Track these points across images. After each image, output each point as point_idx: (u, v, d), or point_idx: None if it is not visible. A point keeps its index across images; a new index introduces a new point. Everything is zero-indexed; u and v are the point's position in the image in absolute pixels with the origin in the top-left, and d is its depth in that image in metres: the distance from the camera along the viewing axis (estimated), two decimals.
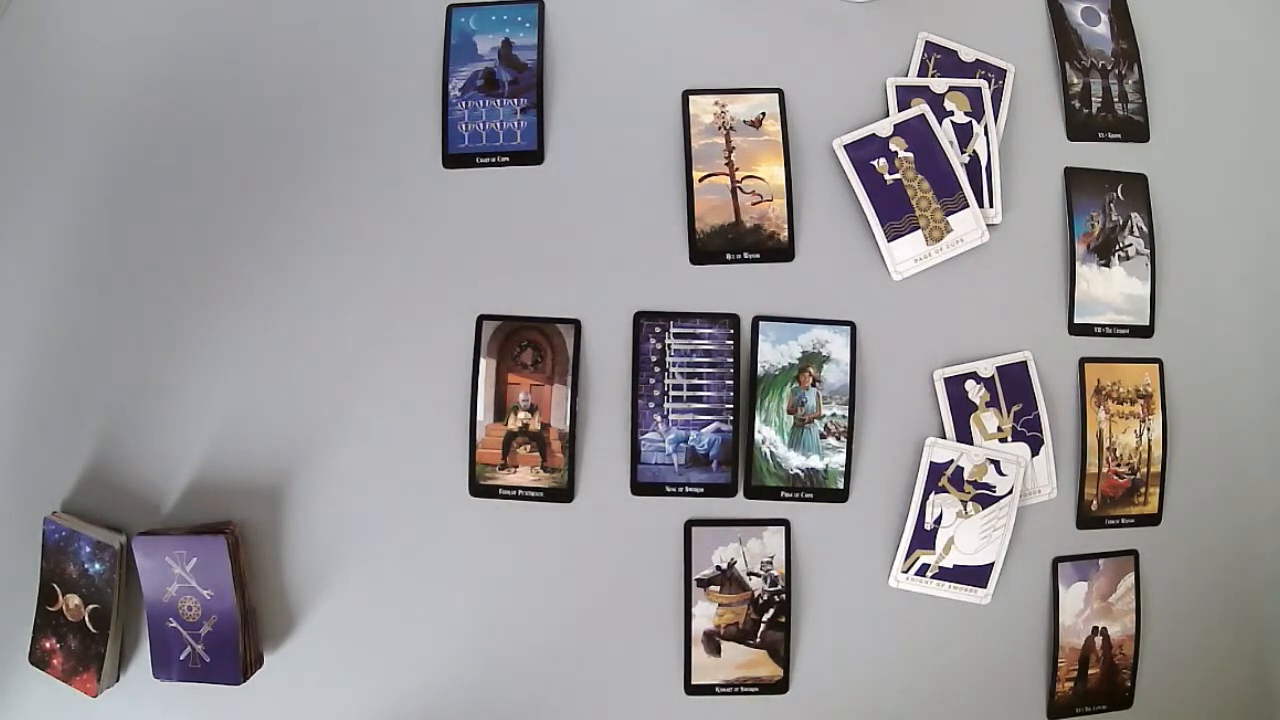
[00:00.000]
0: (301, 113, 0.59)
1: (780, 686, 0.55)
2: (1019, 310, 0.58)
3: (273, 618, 0.56)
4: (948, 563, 0.55)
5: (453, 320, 0.56)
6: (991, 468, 0.56)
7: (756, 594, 0.55)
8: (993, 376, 0.56)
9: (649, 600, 0.55)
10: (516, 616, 0.56)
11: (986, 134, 0.57)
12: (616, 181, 0.58)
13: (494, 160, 0.58)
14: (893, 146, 0.57)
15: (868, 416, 0.56)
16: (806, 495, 0.56)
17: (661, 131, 0.58)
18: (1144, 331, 0.58)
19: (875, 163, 0.56)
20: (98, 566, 0.54)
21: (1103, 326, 0.58)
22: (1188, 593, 0.56)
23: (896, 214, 0.56)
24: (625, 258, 0.57)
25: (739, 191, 0.57)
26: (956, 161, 0.57)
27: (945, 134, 0.57)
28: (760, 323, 0.56)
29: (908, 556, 0.55)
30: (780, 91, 0.59)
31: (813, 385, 0.56)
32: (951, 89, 0.58)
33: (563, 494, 0.55)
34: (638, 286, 0.57)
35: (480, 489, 0.55)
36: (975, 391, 0.56)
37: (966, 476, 0.56)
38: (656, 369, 0.56)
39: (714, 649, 0.55)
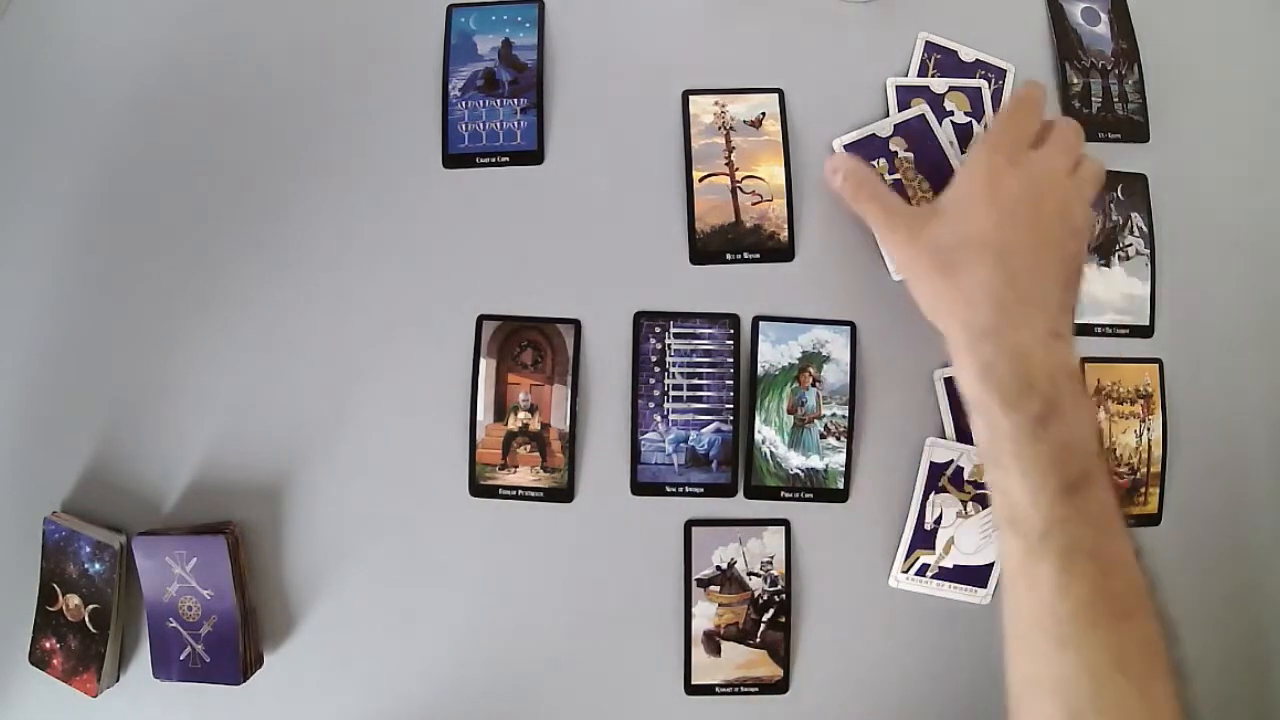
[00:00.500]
0: (301, 113, 0.59)
1: (780, 686, 0.55)
2: None
3: (273, 618, 0.56)
4: (948, 563, 0.55)
5: (453, 320, 0.56)
6: None
7: (756, 594, 0.55)
8: None
9: (649, 600, 0.55)
10: (516, 616, 0.56)
11: None
12: (616, 181, 0.58)
13: (494, 160, 0.58)
14: (893, 146, 0.57)
15: (868, 416, 0.56)
16: (806, 495, 0.56)
17: (661, 131, 0.59)
18: (1144, 331, 0.58)
19: (875, 163, 0.56)
20: (98, 566, 0.54)
21: (1102, 326, 0.58)
22: (1187, 593, 0.55)
23: None
24: (625, 258, 0.57)
25: (739, 191, 0.57)
26: (957, 162, 0.57)
27: (945, 134, 0.57)
28: (760, 323, 0.56)
29: (908, 556, 0.55)
30: (780, 91, 0.59)
31: (813, 385, 0.56)
32: (952, 89, 0.58)
33: (563, 494, 0.55)
34: (638, 286, 0.57)
35: (480, 489, 0.55)
36: None
37: (966, 476, 0.56)
38: (656, 369, 0.56)
39: (714, 649, 0.55)
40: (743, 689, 0.55)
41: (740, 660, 0.55)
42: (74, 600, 0.54)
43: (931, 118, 0.51)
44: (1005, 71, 0.60)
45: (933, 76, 0.59)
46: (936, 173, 0.51)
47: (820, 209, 0.58)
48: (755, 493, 0.56)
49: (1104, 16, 0.62)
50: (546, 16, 0.60)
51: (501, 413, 0.56)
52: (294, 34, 0.60)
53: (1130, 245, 0.59)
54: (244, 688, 0.53)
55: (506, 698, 0.55)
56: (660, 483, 0.55)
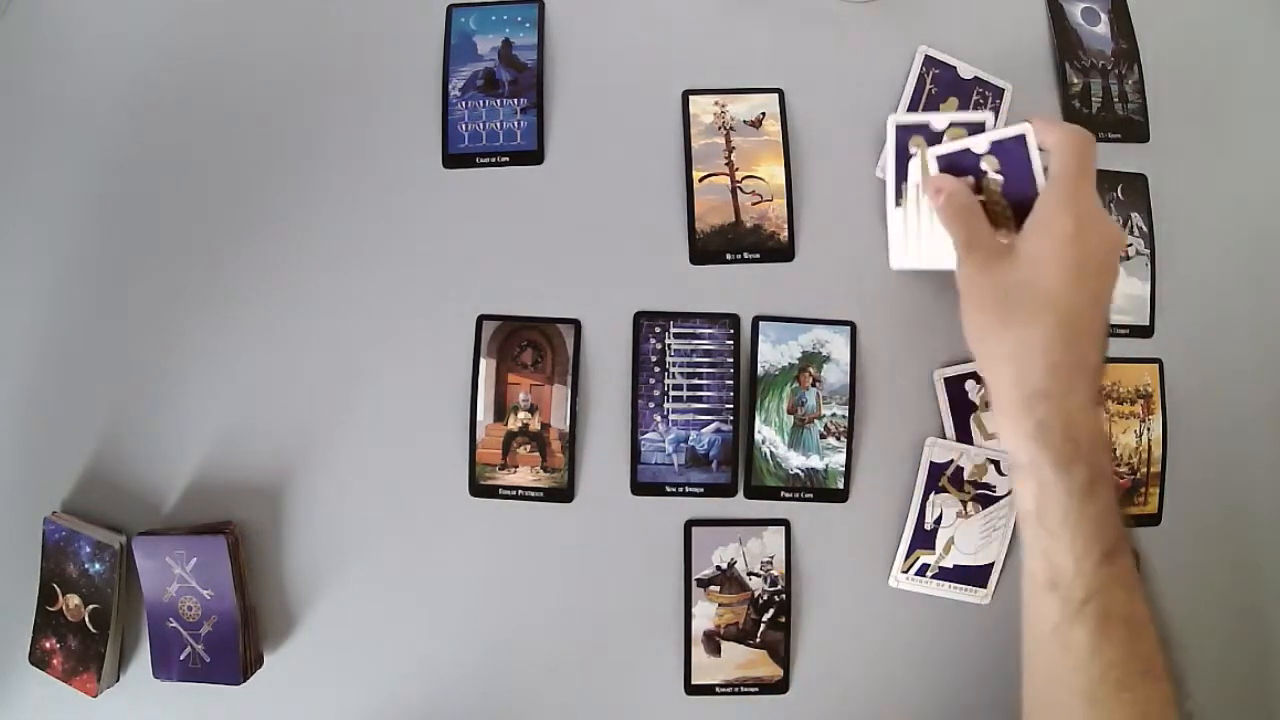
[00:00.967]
0: (301, 113, 0.59)
1: (780, 686, 0.55)
2: None
3: (273, 618, 0.56)
4: (948, 563, 0.55)
5: (453, 320, 0.56)
6: (991, 468, 0.56)
7: (756, 594, 0.55)
8: None
9: (649, 600, 0.55)
10: (516, 616, 0.56)
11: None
12: (616, 181, 0.58)
13: (494, 160, 0.58)
14: (984, 165, 0.52)
15: (868, 416, 0.56)
16: (806, 495, 0.56)
17: (661, 131, 0.59)
18: (1144, 331, 0.58)
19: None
20: (98, 566, 0.54)
21: None
22: (1187, 593, 0.56)
23: None
24: (625, 258, 0.57)
25: (739, 191, 0.57)
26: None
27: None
28: (760, 323, 0.56)
29: (908, 556, 0.55)
30: (780, 91, 0.59)
31: (813, 385, 0.56)
32: (953, 125, 0.55)
33: (563, 494, 0.55)
34: (638, 286, 0.57)
35: (480, 489, 0.55)
36: (975, 391, 0.56)
37: (966, 476, 0.56)
38: (656, 369, 0.56)
39: (714, 649, 0.55)
40: (743, 689, 0.55)
41: (740, 660, 0.55)
42: (74, 600, 0.54)
43: (1032, 142, 0.49)
44: (1003, 90, 0.60)
45: (930, 91, 0.59)
46: (1022, 201, 0.49)
47: (820, 209, 0.58)
48: (755, 493, 0.56)
49: (1104, 16, 0.62)
50: (546, 16, 0.60)
51: (501, 413, 0.56)
52: (294, 34, 0.60)
53: (1130, 245, 0.59)
54: (244, 688, 0.53)
55: (506, 698, 0.55)
56: (660, 483, 0.55)
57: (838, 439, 0.56)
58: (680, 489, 0.55)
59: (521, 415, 0.55)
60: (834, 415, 0.56)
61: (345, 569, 0.56)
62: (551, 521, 0.56)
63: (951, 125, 0.53)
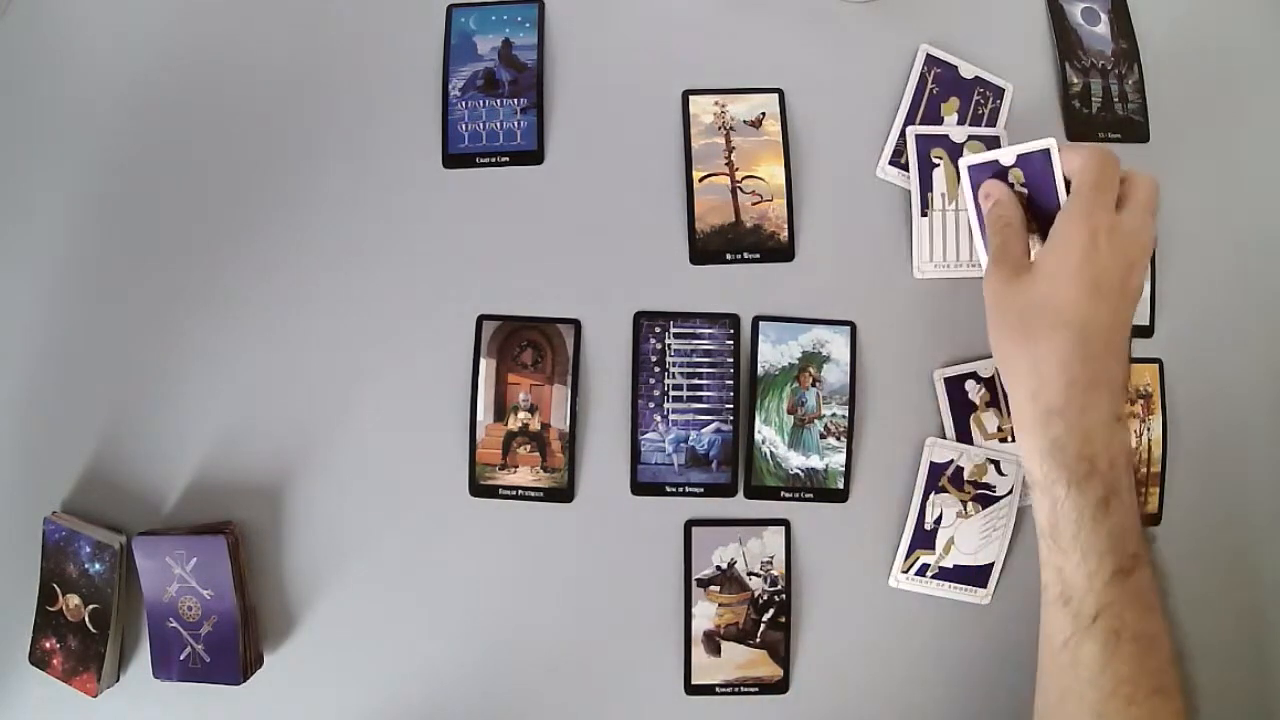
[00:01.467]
0: (301, 113, 0.59)
1: (780, 686, 0.55)
2: None
3: (273, 618, 0.56)
4: (948, 563, 0.55)
5: (453, 320, 0.56)
6: (991, 468, 0.56)
7: (756, 594, 0.55)
8: (993, 377, 0.56)
9: (649, 600, 0.55)
10: (516, 616, 0.56)
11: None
12: (616, 181, 0.58)
13: (494, 160, 0.58)
14: (1010, 178, 0.53)
15: (868, 416, 0.56)
16: (806, 495, 0.56)
17: (661, 131, 0.59)
18: (1144, 331, 0.58)
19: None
20: (98, 566, 0.54)
21: None
22: (1187, 593, 0.56)
23: None
24: (625, 258, 0.57)
25: (739, 191, 0.57)
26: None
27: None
28: (760, 323, 0.56)
29: (908, 556, 0.55)
30: (780, 91, 0.59)
31: (813, 385, 0.56)
32: (971, 138, 0.58)
33: (563, 494, 0.55)
34: (638, 286, 0.57)
35: (480, 489, 0.55)
36: (975, 391, 0.56)
37: (966, 476, 0.56)
38: (656, 369, 0.56)
39: (714, 649, 0.55)
40: (743, 689, 0.55)
41: (740, 660, 0.55)
42: (74, 600, 0.54)
43: (1055, 157, 0.50)
44: (1004, 90, 0.60)
45: (931, 92, 0.59)
46: (1045, 215, 0.49)
47: (820, 209, 0.58)
48: (755, 493, 0.56)
49: (1104, 16, 0.62)
50: (546, 16, 0.60)
51: (501, 413, 0.56)
52: (294, 34, 0.60)
53: None
54: (244, 688, 0.53)
55: (506, 698, 0.55)
56: (660, 483, 0.55)
57: (838, 439, 0.56)
58: (680, 489, 0.55)
59: (521, 415, 0.55)
60: (834, 415, 0.56)
61: (345, 569, 0.56)
62: (551, 521, 0.56)
63: (970, 139, 0.54)
